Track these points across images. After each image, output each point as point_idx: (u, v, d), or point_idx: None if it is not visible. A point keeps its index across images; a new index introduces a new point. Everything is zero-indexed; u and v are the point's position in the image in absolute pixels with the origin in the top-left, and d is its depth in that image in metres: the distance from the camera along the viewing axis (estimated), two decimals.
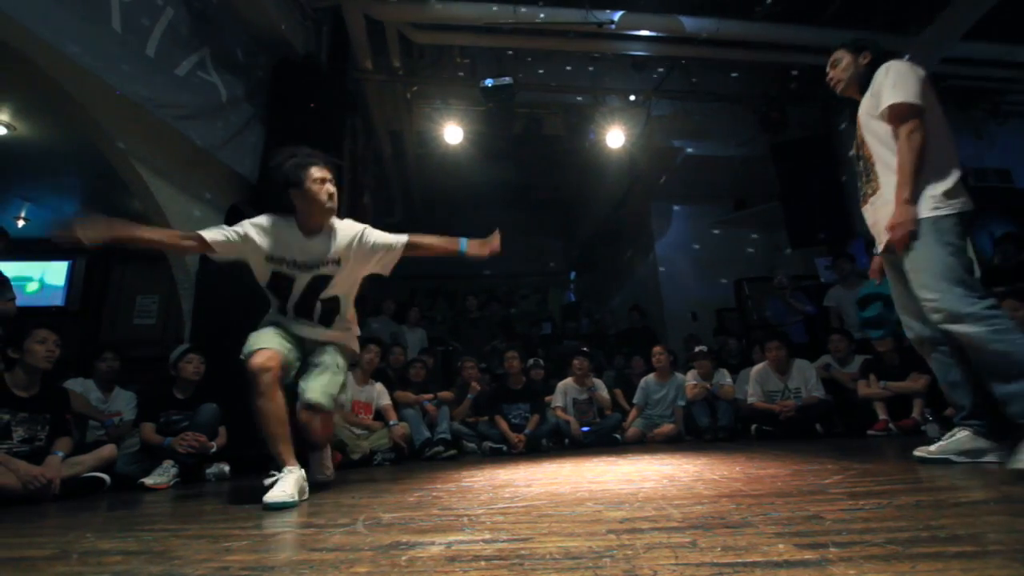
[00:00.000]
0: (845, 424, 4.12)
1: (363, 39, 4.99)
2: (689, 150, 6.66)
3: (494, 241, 2.25)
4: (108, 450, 2.80)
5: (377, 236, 2.18)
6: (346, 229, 2.16)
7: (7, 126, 4.64)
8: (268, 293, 2.21)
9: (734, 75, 6.35)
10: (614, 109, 5.91)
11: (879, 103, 1.93)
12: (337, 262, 2.12)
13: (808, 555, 0.81)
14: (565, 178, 8.29)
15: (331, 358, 2.18)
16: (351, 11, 4.73)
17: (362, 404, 3.94)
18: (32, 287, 6.91)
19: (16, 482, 2.28)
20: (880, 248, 2.02)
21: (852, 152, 2.17)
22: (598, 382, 4.85)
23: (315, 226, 2.11)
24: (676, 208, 7.72)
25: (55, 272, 7.09)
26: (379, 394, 4.04)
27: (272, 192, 2.12)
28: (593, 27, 4.92)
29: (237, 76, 4.14)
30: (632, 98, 6.02)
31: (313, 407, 2.04)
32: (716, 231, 7.54)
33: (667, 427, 4.55)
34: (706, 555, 0.85)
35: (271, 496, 1.73)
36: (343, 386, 2.29)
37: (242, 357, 2.01)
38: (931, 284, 1.77)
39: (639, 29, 5.14)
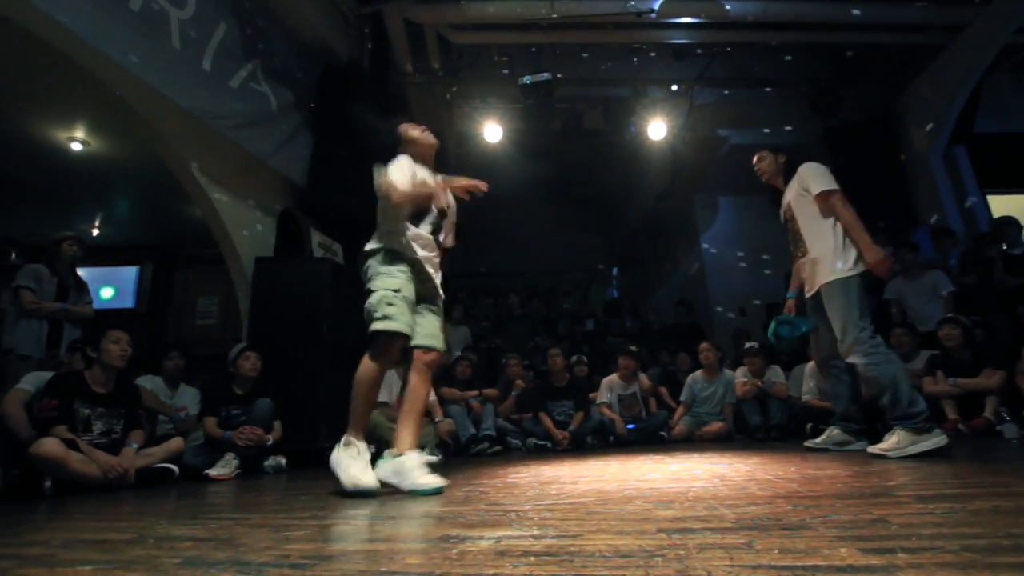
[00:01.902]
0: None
1: (403, 43, 5.09)
2: (735, 140, 6.43)
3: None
4: (176, 443, 2.99)
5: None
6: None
7: (82, 142, 5.01)
8: (411, 218, 2.10)
9: (785, 59, 6.08)
10: (656, 100, 5.78)
11: (809, 190, 2.60)
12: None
13: (874, 560, 0.77)
14: (606, 173, 8.18)
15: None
16: (391, 16, 4.83)
17: None
18: (107, 293, 7.42)
19: (97, 471, 2.47)
20: (810, 293, 2.69)
21: (782, 222, 2.85)
22: (643, 378, 4.77)
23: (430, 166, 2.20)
24: (721, 199, 7.47)
25: (126, 277, 7.60)
26: None
27: (385, 151, 2.16)
28: (632, 17, 4.83)
29: (285, 85, 4.30)
30: (674, 88, 5.87)
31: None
32: (765, 222, 7.24)
33: (716, 425, 4.43)
34: (762, 557, 0.82)
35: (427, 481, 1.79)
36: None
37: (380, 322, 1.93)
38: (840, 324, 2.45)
39: (681, 16, 5.00)
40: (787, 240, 2.89)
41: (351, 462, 1.89)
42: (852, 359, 2.41)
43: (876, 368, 2.33)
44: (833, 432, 2.72)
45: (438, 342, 2.10)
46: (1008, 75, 6.02)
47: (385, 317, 1.92)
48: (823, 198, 2.56)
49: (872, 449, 2.33)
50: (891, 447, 2.23)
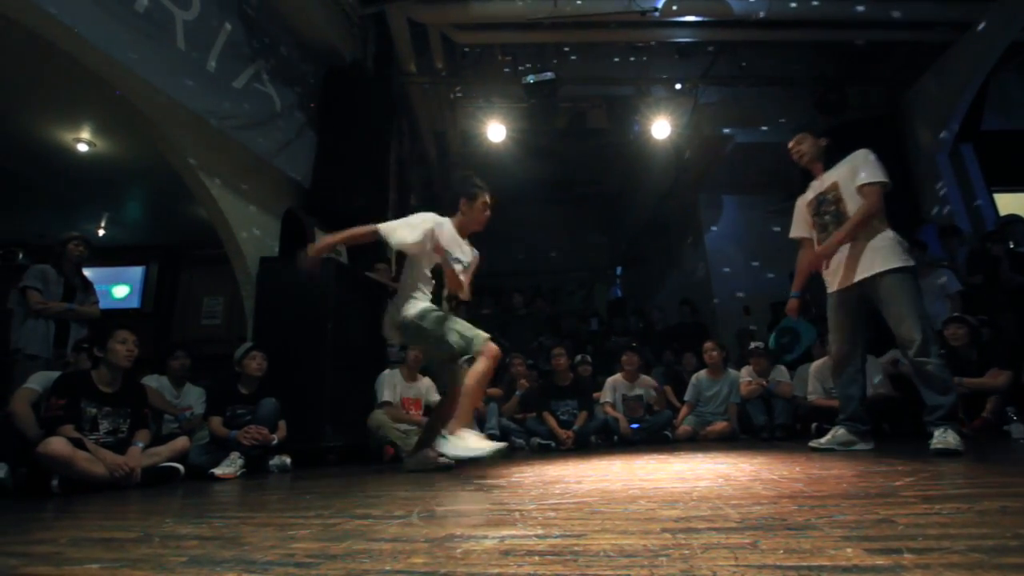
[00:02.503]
0: (915, 423, 3.86)
1: (407, 43, 5.09)
2: (739, 138, 6.41)
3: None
4: (182, 442, 3.00)
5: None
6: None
7: (88, 143, 5.04)
8: (426, 278, 2.48)
9: (788, 57, 6.06)
10: (659, 99, 5.76)
11: (862, 176, 2.51)
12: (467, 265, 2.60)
13: (880, 560, 0.77)
14: (610, 172, 8.17)
15: None
16: (395, 16, 4.83)
17: (411, 400, 4.03)
18: (122, 291, 7.47)
19: (104, 470, 2.49)
20: (846, 284, 2.56)
21: (812, 207, 2.76)
22: (647, 378, 4.76)
23: (465, 234, 2.62)
24: (726, 198, 7.44)
25: (132, 277, 7.64)
26: (427, 389, 4.12)
27: (448, 194, 2.68)
28: (636, 15, 4.81)
29: (290, 85, 4.32)
30: (678, 87, 5.85)
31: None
32: (769, 221, 7.22)
33: (720, 425, 4.41)
34: (768, 557, 0.82)
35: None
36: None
37: (476, 347, 2.27)
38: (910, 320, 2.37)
39: (684, 15, 4.99)
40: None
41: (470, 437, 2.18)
42: (923, 358, 2.33)
43: (943, 368, 2.32)
44: (839, 432, 2.68)
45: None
46: (1015, 73, 5.97)
47: (475, 332, 2.32)
48: (872, 189, 2.47)
49: (939, 445, 2.20)
50: (957, 444, 2.18)
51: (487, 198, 2.59)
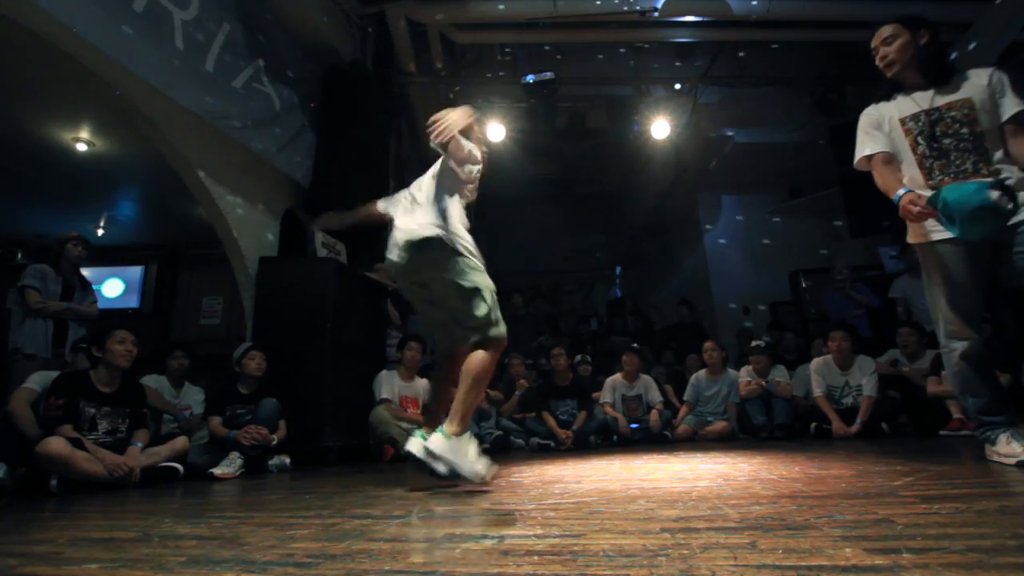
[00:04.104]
0: (914, 423, 3.87)
1: (406, 42, 5.09)
2: (739, 138, 6.41)
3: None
4: (181, 442, 3.00)
5: None
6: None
7: (87, 143, 5.03)
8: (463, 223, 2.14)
9: (787, 57, 6.06)
10: (659, 99, 5.76)
11: (1005, 102, 1.96)
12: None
13: (879, 560, 0.77)
14: (609, 172, 8.17)
15: None
16: (394, 15, 4.83)
17: (409, 399, 4.03)
18: (115, 289, 7.46)
19: (103, 470, 2.48)
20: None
21: (923, 127, 2.05)
22: (648, 379, 4.76)
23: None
24: (725, 198, 7.45)
25: (131, 276, 7.64)
26: (425, 390, 4.12)
27: None
28: (635, 15, 4.82)
29: (289, 85, 4.31)
30: (677, 87, 5.84)
31: None
32: (769, 221, 7.24)
33: (720, 425, 4.42)
34: (767, 557, 0.82)
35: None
36: None
37: (501, 327, 1.97)
38: None
39: (683, 15, 4.98)
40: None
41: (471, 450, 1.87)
42: None
43: None
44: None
45: None
46: (1015, 73, 5.97)
47: (500, 321, 1.98)
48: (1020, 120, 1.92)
49: None
50: None
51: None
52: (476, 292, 1.94)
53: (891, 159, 2.14)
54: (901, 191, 1.98)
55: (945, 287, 1.98)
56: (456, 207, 2.11)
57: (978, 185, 1.81)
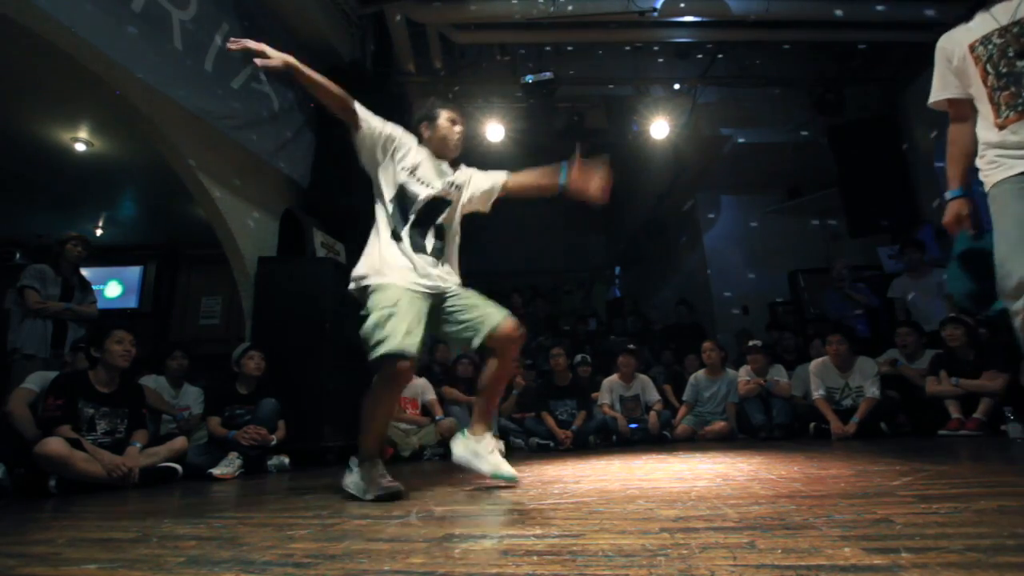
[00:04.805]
0: (913, 423, 3.87)
1: (405, 42, 5.09)
2: (738, 139, 6.42)
3: (602, 169, 2.07)
4: (180, 442, 3.00)
5: (484, 173, 2.27)
6: (462, 167, 2.23)
7: (86, 143, 5.02)
8: (389, 207, 2.01)
9: (786, 57, 6.06)
10: (658, 99, 5.76)
11: None
12: (459, 188, 2.14)
13: (878, 560, 0.77)
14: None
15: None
16: (393, 15, 4.83)
17: (408, 400, 4.03)
18: (112, 291, 7.45)
19: (101, 470, 2.48)
20: None
21: (996, 39, 1.63)
22: (644, 378, 4.76)
23: (440, 157, 2.14)
24: (724, 198, 7.45)
25: (130, 276, 7.63)
26: (424, 389, 4.12)
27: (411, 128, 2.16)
28: (634, 16, 4.81)
29: (288, 85, 4.31)
30: (676, 87, 5.85)
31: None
32: (768, 221, 7.24)
33: (719, 425, 4.42)
34: (766, 557, 0.82)
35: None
36: None
37: (379, 349, 1.71)
38: None
39: (683, 15, 4.98)
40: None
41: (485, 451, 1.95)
42: None
43: None
44: None
45: None
46: None
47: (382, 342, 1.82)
48: None
49: None
50: None
51: (451, 114, 2.14)
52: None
53: (963, 109, 1.77)
54: (950, 194, 1.72)
55: (1018, 229, 1.55)
56: (379, 215, 2.03)
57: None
